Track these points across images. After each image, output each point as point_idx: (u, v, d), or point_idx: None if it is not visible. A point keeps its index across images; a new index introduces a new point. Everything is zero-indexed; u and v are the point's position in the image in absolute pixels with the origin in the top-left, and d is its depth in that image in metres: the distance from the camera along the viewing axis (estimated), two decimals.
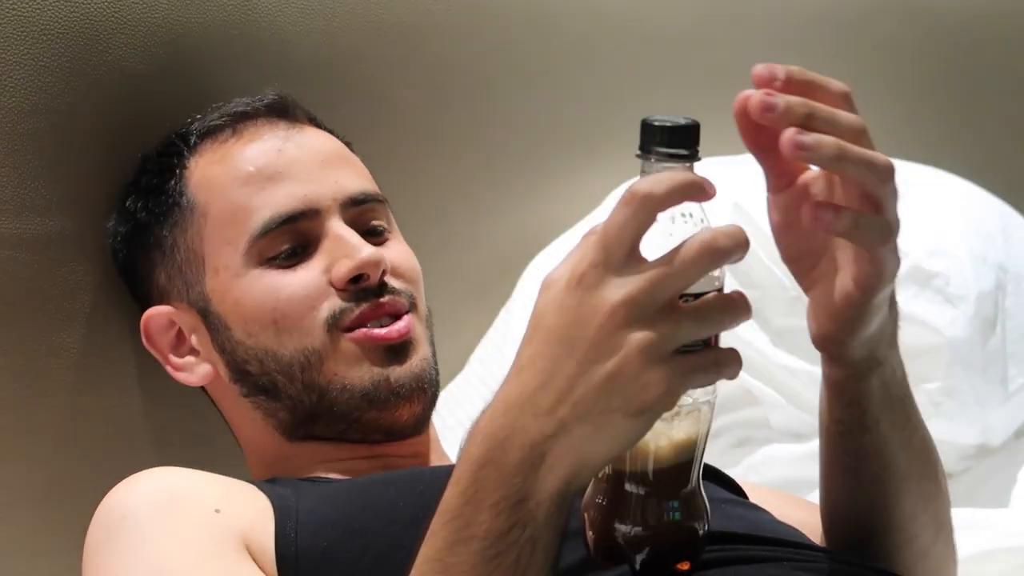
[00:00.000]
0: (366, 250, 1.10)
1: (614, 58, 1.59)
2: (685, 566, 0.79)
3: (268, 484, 1.03)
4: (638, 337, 0.70)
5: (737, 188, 1.28)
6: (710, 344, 0.73)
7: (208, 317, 1.12)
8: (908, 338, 1.39)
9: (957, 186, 1.61)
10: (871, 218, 0.76)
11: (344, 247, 1.10)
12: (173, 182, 1.15)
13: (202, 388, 1.18)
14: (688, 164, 0.74)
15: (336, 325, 1.08)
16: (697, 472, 0.78)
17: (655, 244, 0.72)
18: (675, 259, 0.70)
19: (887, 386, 0.88)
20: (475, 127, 1.49)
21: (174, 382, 1.16)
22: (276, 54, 1.31)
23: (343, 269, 1.09)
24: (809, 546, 0.96)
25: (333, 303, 1.09)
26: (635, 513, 0.77)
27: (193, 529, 0.93)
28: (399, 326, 1.09)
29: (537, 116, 1.53)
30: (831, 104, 0.76)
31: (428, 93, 1.44)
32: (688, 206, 0.74)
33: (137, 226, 1.17)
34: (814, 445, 0.97)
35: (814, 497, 1.05)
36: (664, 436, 0.76)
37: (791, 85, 0.74)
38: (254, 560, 0.93)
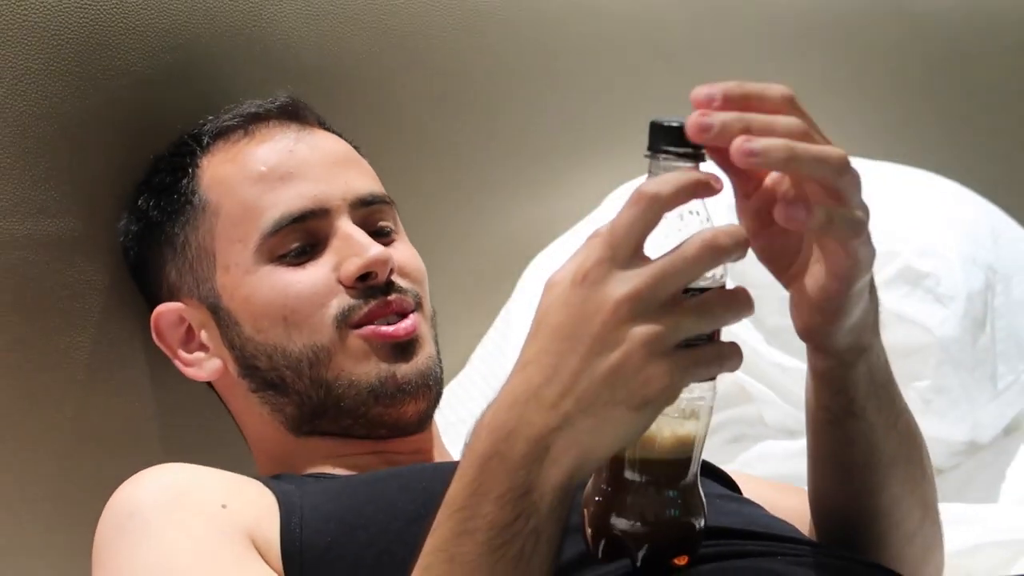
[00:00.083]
0: (374, 249, 1.10)
1: (613, 64, 1.59)
2: (683, 560, 0.79)
3: (273, 480, 1.03)
4: (641, 331, 0.70)
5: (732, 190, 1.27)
6: (712, 339, 0.73)
7: (218, 313, 1.12)
8: (899, 337, 1.40)
9: (947, 188, 1.61)
10: (842, 213, 0.76)
11: (353, 246, 1.10)
12: (185, 181, 1.15)
13: (210, 384, 1.18)
14: (694, 163, 0.74)
15: (345, 322, 1.08)
16: (696, 468, 0.78)
17: (665, 240, 0.72)
18: (677, 256, 0.71)
19: (873, 372, 0.88)
20: (477, 131, 1.48)
21: (183, 381, 1.17)
22: (282, 59, 1.31)
23: (352, 267, 1.09)
24: (802, 541, 0.96)
25: (342, 300, 1.09)
26: (634, 508, 0.77)
27: (200, 524, 0.93)
28: (406, 324, 1.09)
29: (537, 121, 1.53)
30: (775, 111, 0.75)
31: (431, 98, 1.44)
32: (694, 203, 0.74)
33: (149, 224, 1.17)
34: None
35: None
36: (664, 430, 0.76)
37: (730, 102, 0.74)
38: (260, 554, 0.93)
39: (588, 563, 0.80)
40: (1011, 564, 1.29)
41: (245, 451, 1.18)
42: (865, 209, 0.77)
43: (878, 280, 1.39)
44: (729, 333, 0.75)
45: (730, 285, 0.75)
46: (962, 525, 1.31)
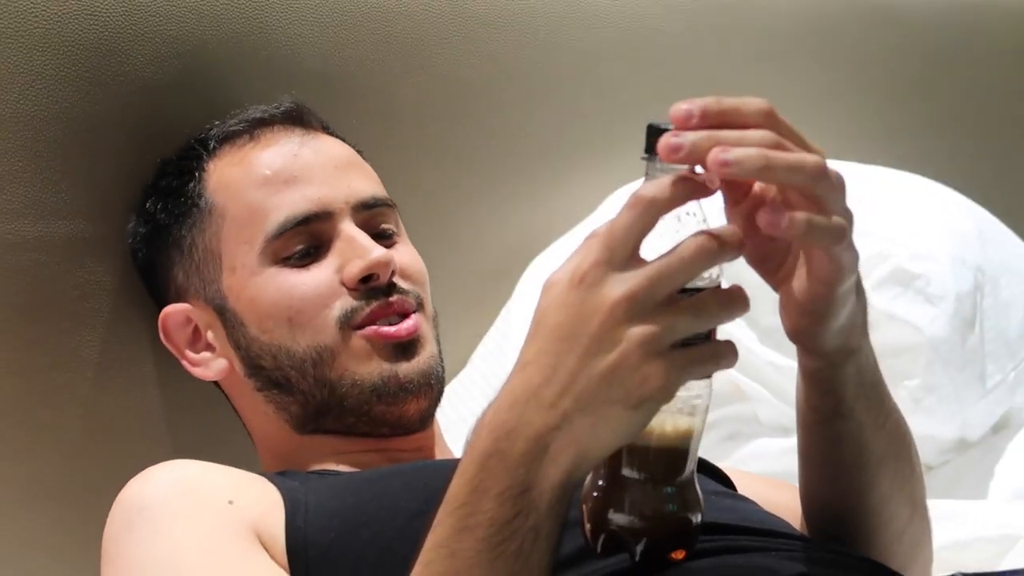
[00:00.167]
0: (376, 251, 1.10)
1: (610, 69, 1.59)
2: (680, 555, 0.79)
3: (279, 476, 1.03)
4: (638, 331, 0.70)
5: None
6: (708, 338, 0.74)
7: (224, 314, 1.12)
8: (890, 337, 1.41)
9: (937, 191, 1.62)
10: (823, 221, 0.75)
11: (356, 248, 1.10)
12: (192, 184, 1.15)
13: (216, 383, 1.18)
14: (691, 165, 0.74)
15: (348, 323, 1.09)
16: (693, 464, 0.78)
17: (663, 242, 0.72)
18: (674, 258, 0.71)
19: (862, 373, 0.87)
20: (477, 135, 1.48)
21: (190, 380, 1.17)
22: (287, 65, 1.31)
23: (355, 269, 1.09)
24: (795, 536, 0.96)
25: (345, 302, 1.09)
26: (633, 504, 0.77)
27: (208, 520, 0.93)
28: (408, 324, 1.10)
29: (536, 125, 1.53)
30: (753, 125, 0.75)
31: (432, 102, 1.44)
32: (691, 204, 0.74)
33: (156, 227, 1.17)
34: None
35: None
36: (662, 428, 0.76)
37: (707, 118, 0.73)
38: (265, 549, 0.93)
39: (587, 557, 0.80)
40: (999, 559, 1.29)
41: (250, 448, 1.18)
42: (847, 215, 0.77)
43: (870, 281, 1.42)
44: (724, 332, 0.75)
45: (725, 285, 0.75)
46: (951, 521, 1.31)
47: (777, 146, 0.74)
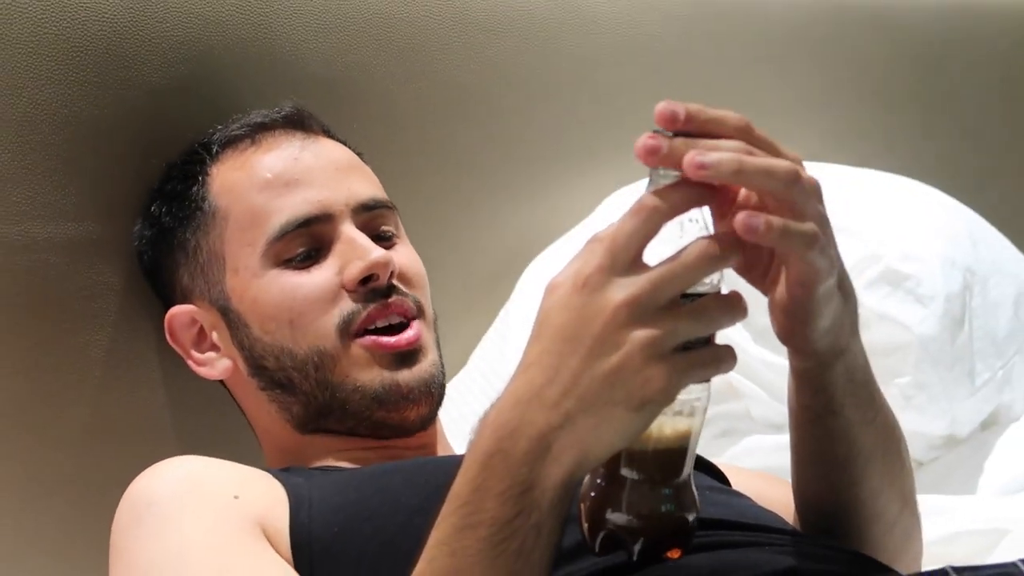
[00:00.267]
0: (376, 252, 1.10)
1: (607, 74, 1.59)
2: (676, 554, 0.79)
3: (283, 472, 1.02)
4: (640, 335, 0.71)
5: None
6: (708, 342, 0.74)
7: (228, 315, 1.12)
8: (881, 336, 1.41)
9: (927, 193, 1.62)
10: (795, 226, 0.75)
11: (356, 249, 1.10)
12: (196, 188, 1.15)
13: (221, 382, 1.18)
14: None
15: (347, 329, 1.08)
16: (690, 464, 0.78)
17: (666, 247, 0.72)
18: (676, 263, 0.71)
19: (851, 372, 0.87)
20: (477, 139, 1.48)
21: (195, 379, 1.16)
22: (290, 71, 1.31)
23: (355, 270, 1.09)
24: (788, 531, 0.96)
25: (344, 307, 1.09)
26: (631, 504, 0.76)
27: (215, 514, 0.92)
28: (408, 335, 1.09)
29: (535, 129, 1.53)
30: (731, 137, 0.75)
31: (433, 108, 1.44)
32: (693, 211, 0.74)
33: (162, 230, 1.17)
34: None
35: None
36: (661, 429, 0.76)
37: (690, 122, 0.74)
38: (270, 544, 0.93)
39: (585, 551, 0.80)
40: (988, 552, 1.29)
41: (255, 446, 1.18)
42: (822, 219, 0.77)
43: (861, 281, 1.42)
44: (720, 333, 0.75)
45: (724, 290, 0.75)
46: (941, 515, 1.31)
47: (750, 154, 0.74)
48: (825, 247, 0.77)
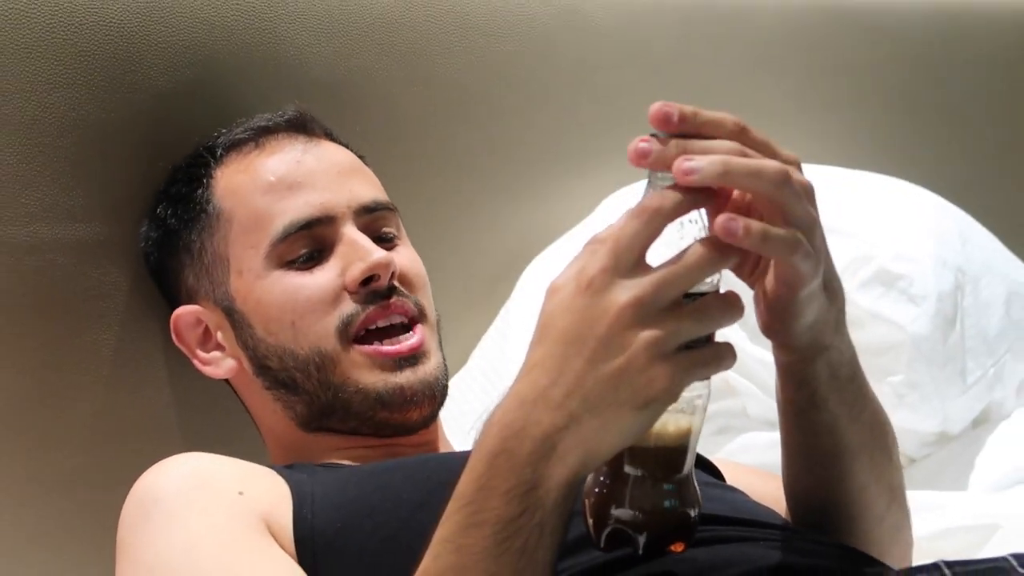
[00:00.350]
0: (377, 253, 1.10)
1: (606, 79, 1.59)
2: (679, 548, 0.79)
3: (287, 469, 1.02)
4: (644, 335, 0.71)
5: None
6: (708, 340, 0.74)
7: (232, 315, 1.12)
8: (874, 335, 1.41)
9: (919, 195, 1.62)
10: (777, 232, 0.74)
11: (357, 250, 1.10)
12: (201, 191, 1.15)
13: (226, 381, 1.17)
14: None
15: (346, 333, 1.08)
16: (692, 460, 0.78)
17: (666, 248, 0.73)
18: (678, 264, 0.71)
19: (834, 368, 0.87)
20: (477, 142, 1.48)
21: (201, 378, 1.16)
22: (294, 75, 1.31)
23: (356, 271, 1.09)
24: (781, 526, 0.96)
25: (344, 309, 1.09)
26: (634, 500, 0.77)
27: (220, 510, 0.92)
28: (411, 342, 1.09)
29: (535, 132, 1.53)
30: (727, 138, 0.75)
31: (434, 111, 1.44)
32: (692, 212, 0.74)
33: (167, 231, 1.17)
34: None
35: None
36: (664, 427, 0.76)
37: (685, 123, 0.74)
38: (274, 539, 0.93)
39: (590, 544, 0.80)
40: (979, 548, 1.29)
41: (259, 444, 1.17)
42: (810, 221, 0.76)
43: (854, 281, 1.42)
44: (719, 332, 0.75)
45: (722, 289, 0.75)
46: (933, 511, 1.31)
47: (741, 155, 0.74)
48: (809, 252, 0.76)
